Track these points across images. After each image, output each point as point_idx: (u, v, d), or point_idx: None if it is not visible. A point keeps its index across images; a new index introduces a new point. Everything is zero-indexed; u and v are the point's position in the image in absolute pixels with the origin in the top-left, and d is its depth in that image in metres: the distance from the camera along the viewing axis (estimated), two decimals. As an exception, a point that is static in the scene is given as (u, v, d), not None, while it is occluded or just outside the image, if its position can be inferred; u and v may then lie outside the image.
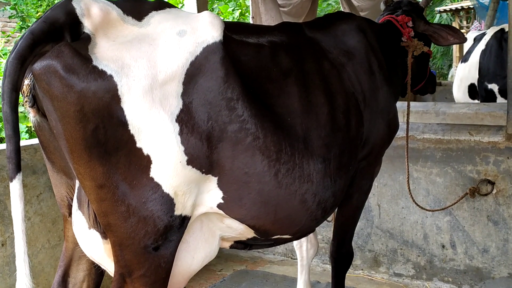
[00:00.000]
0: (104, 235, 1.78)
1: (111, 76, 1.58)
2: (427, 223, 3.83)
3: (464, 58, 6.27)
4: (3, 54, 8.56)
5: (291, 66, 2.10)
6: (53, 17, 1.61)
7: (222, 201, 1.88)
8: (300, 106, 2.05)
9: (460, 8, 13.94)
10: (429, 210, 3.61)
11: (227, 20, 7.59)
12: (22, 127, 5.86)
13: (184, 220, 1.79)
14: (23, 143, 3.19)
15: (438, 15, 15.11)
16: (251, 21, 5.70)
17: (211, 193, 1.86)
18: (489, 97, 5.74)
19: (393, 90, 2.76)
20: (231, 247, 2.20)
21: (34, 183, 3.12)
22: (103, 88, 1.57)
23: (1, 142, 5.70)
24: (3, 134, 5.67)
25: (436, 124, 3.84)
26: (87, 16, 1.64)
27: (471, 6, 11.70)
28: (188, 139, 1.70)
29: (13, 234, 1.60)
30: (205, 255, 1.99)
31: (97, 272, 2.05)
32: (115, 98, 1.59)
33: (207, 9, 4.53)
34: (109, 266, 1.86)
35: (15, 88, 1.54)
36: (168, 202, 1.71)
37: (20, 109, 3.09)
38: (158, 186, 1.69)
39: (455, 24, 13.65)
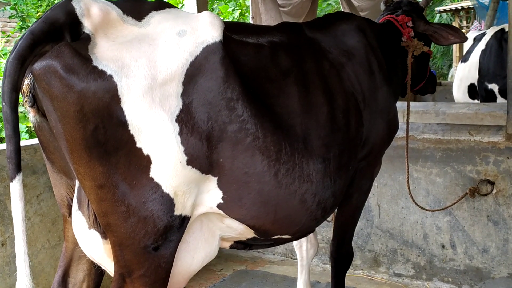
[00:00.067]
0: (104, 235, 1.78)
1: (111, 76, 1.59)
2: (427, 223, 3.83)
3: (464, 58, 6.27)
4: (3, 54, 8.57)
5: (291, 66, 2.10)
6: (53, 17, 1.61)
7: (222, 201, 1.88)
8: (299, 106, 2.05)
9: (460, 8, 13.94)
10: (429, 210, 3.61)
11: (227, 20, 7.59)
12: (22, 127, 5.86)
13: (184, 220, 1.79)
14: (23, 143, 3.19)
15: (438, 15, 15.11)
16: (251, 21, 5.70)
17: (211, 193, 1.86)
18: (489, 97, 5.74)
19: (393, 90, 2.76)
20: (231, 247, 2.20)
21: (34, 183, 3.12)
22: (103, 88, 1.57)
23: (1, 142, 5.70)
24: (3, 134, 5.67)
25: (436, 124, 3.84)
26: (87, 16, 1.64)
27: (471, 6, 11.70)
28: (188, 139, 1.70)
29: (13, 234, 1.60)
30: (205, 255, 1.99)
31: (97, 272, 2.05)
32: (115, 98, 1.59)
33: (207, 9, 4.53)
34: (109, 266, 1.86)
35: (15, 88, 1.54)
36: (168, 202, 1.71)
37: (20, 109, 3.09)
38: (158, 186, 1.69)
39: (455, 24, 13.64)
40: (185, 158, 1.71)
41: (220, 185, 1.85)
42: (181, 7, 8.49)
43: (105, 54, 1.61)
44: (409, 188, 3.34)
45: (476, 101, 5.84)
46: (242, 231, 2.04)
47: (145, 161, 1.66)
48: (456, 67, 8.27)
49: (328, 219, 3.41)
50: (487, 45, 5.86)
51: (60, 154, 1.79)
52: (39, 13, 11.38)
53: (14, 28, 11.52)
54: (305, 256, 3.18)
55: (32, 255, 3.08)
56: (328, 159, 2.12)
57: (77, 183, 1.84)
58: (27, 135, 5.99)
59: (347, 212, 2.71)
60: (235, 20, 10.84)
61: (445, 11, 14.66)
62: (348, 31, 2.55)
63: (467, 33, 7.99)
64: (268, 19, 5.43)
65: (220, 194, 1.87)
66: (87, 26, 1.64)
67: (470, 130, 3.68)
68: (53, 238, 3.22)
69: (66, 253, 2.03)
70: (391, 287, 3.87)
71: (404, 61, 2.96)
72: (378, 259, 4.04)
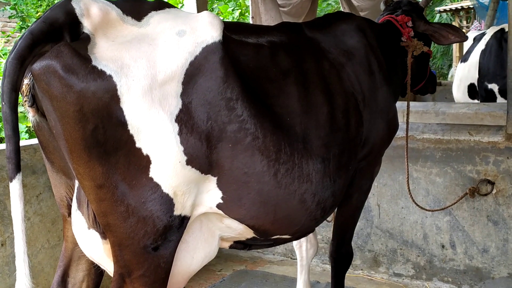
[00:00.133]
0: (104, 235, 1.78)
1: (110, 76, 1.58)
2: (426, 223, 3.83)
3: (464, 58, 6.27)
4: (3, 54, 8.56)
5: (291, 66, 2.10)
6: (53, 17, 1.61)
7: (221, 201, 1.88)
8: (299, 106, 2.05)
9: (460, 8, 13.94)
10: (429, 210, 3.61)
11: (227, 20, 7.59)
12: (22, 127, 5.86)
13: (183, 220, 1.79)
14: (23, 143, 3.19)
15: (438, 15, 15.11)
16: (250, 21, 5.70)
17: (211, 193, 1.86)
18: (489, 97, 5.74)
19: (393, 90, 2.76)
20: (231, 247, 2.20)
21: (34, 183, 3.12)
22: (102, 88, 1.57)
23: (1, 142, 5.70)
24: (3, 134, 5.67)
25: (436, 124, 3.84)
26: (87, 16, 1.64)
27: (471, 6, 11.70)
28: (187, 139, 1.70)
29: (13, 234, 1.60)
30: (204, 255, 1.99)
31: (97, 272, 2.05)
32: (115, 98, 1.59)
33: (206, 9, 4.53)
34: (108, 266, 1.86)
35: (14, 88, 1.54)
36: (168, 202, 1.71)
37: (20, 109, 3.09)
38: (157, 186, 1.69)
39: (455, 24, 13.63)
40: (185, 158, 1.71)
41: (220, 185, 1.85)
42: (181, 7, 8.49)
43: (105, 54, 1.61)
44: (409, 188, 3.34)
45: (476, 101, 5.84)
46: (242, 231, 2.04)
47: (145, 161, 1.66)
48: (456, 67, 8.27)
49: (328, 219, 3.41)
50: (487, 45, 5.86)
51: (60, 154, 1.79)
52: (39, 13, 11.38)
53: (14, 28, 11.52)
54: (305, 256, 3.17)
55: (31, 255, 3.08)
56: (327, 159, 2.11)
57: (76, 183, 1.84)
58: (27, 135, 5.99)
59: (347, 212, 2.71)
60: (235, 20, 10.84)
61: (445, 11, 14.66)
62: (348, 31, 2.55)
63: (467, 33, 7.99)
64: (268, 19, 5.43)
65: (219, 194, 1.87)
66: (87, 26, 1.64)
67: (470, 130, 3.68)
68: (52, 238, 3.22)
69: (65, 253, 2.03)
70: (391, 287, 3.87)
71: (404, 61, 2.96)
72: (378, 259, 4.04)
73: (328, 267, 3.88)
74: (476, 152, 3.61)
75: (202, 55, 1.74)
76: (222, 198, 1.87)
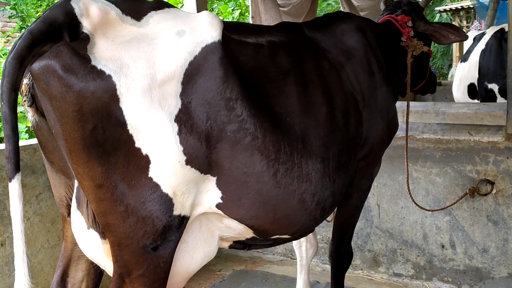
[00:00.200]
0: (103, 235, 1.78)
1: (109, 76, 1.58)
2: (426, 223, 3.82)
3: (464, 58, 6.27)
4: (3, 54, 8.56)
5: (290, 66, 2.10)
6: (52, 17, 1.61)
7: (221, 201, 1.88)
8: (299, 106, 2.04)
9: (460, 8, 13.94)
10: (429, 210, 3.61)
11: (227, 20, 7.59)
12: (22, 127, 5.86)
13: (183, 220, 1.79)
14: (22, 143, 3.19)
15: (438, 15, 15.12)
16: (250, 21, 5.70)
17: (210, 193, 1.86)
18: (489, 97, 5.74)
19: (393, 90, 2.76)
20: (230, 247, 2.20)
21: (34, 183, 3.12)
22: (101, 88, 1.57)
23: (1, 142, 5.70)
24: (2, 134, 5.68)
25: (435, 124, 3.84)
26: (86, 16, 1.64)
27: (471, 6, 11.70)
28: (187, 139, 1.70)
29: (13, 234, 1.60)
30: (204, 255, 1.99)
31: (96, 272, 2.05)
32: (114, 98, 1.59)
33: (206, 9, 4.53)
34: (108, 266, 1.85)
35: (13, 88, 1.54)
36: (167, 202, 1.71)
37: (20, 109, 3.09)
38: (157, 186, 1.68)
39: (455, 24, 13.63)
40: (184, 158, 1.70)
41: (219, 185, 1.85)
42: (181, 7, 8.49)
43: (104, 54, 1.61)
44: (408, 188, 3.33)
45: (476, 100, 5.84)
46: (241, 231, 2.04)
47: (144, 161, 1.66)
48: (456, 66, 8.27)
49: (328, 219, 3.41)
50: (487, 44, 5.86)
51: (59, 154, 1.79)
52: (39, 13, 11.37)
53: (14, 28, 11.52)
54: (305, 256, 3.17)
55: (31, 255, 3.08)
56: (327, 159, 2.11)
57: (76, 183, 1.84)
58: (26, 135, 5.99)
59: (347, 212, 2.70)
60: (235, 20, 10.84)
61: (445, 11, 14.67)
62: (347, 30, 2.55)
63: (467, 33, 7.99)
64: (267, 19, 5.43)
65: (219, 194, 1.87)
66: (86, 26, 1.64)
67: (469, 130, 3.68)
68: (52, 238, 3.22)
69: (65, 253, 2.03)
70: (390, 287, 3.87)
71: (404, 61, 2.96)
72: (378, 259, 4.04)
73: (328, 267, 3.88)
74: (476, 152, 3.61)
75: (202, 55, 1.74)
76: (222, 198, 1.87)
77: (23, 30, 10.61)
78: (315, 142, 2.07)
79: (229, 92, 1.77)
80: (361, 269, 4.09)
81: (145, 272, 1.74)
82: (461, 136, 3.66)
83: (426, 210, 3.58)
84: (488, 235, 3.61)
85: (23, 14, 11.36)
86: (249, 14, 6.59)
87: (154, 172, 1.67)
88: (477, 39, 6.12)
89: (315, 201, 2.09)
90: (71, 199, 1.91)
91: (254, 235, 2.08)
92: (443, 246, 3.79)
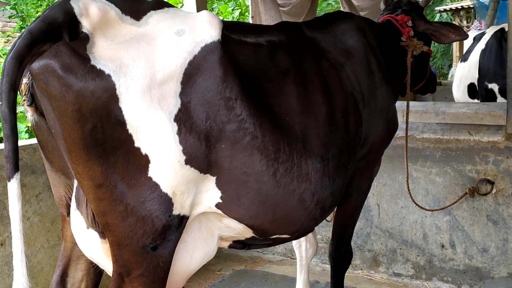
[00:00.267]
0: (103, 235, 1.78)
1: (109, 76, 1.58)
2: (426, 222, 3.82)
3: (464, 58, 6.27)
4: (3, 54, 8.56)
5: (290, 65, 2.10)
6: (51, 17, 1.61)
7: (220, 201, 1.88)
8: (298, 105, 2.04)
9: (460, 7, 13.94)
10: (429, 210, 3.61)
11: (226, 19, 7.59)
12: (22, 126, 5.86)
13: (182, 220, 1.79)
14: (22, 142, 3.19)
15: (438, 14, 15.12)
16: (250, 21, 5.70)
17: (210, 193, 1.86)
18: (489, 96, 5.74)
19: (393, 89, 2.76)
20: (230, 246, 2.20)
21: (33, 182, 3.12)
22: (101, 88, 1.57)
23: (1, 142, 5.70)
24: (2, 134, 5.67)
25: (435, 124, 3.84)
26: (86, 15, 1.64)
27: (471, 6, 11.70)
28: (186, 138, 1.70)
29: (12, 234, 1.60)
30: (203, 254, 1.98)
31: (96, 272, 2.05)
32: (113, 97, 1.59)
33: (206, 9, 4.53)
34: (107, 265, 1.85)
35: (13, 87, 1.54)
36: (167, 201, 1.71)
37: (20, 108, 3.09)
38: (156, 185, 1.68)
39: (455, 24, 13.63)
40: (184, 157, 1.70)
41: (219, 184, 1.85)
42: (181, 6, 8.49)
43: (104, 54, 1.61)
44: (408, 187, 3.33)
45: (476, 100, 5.84)
46: (241, 231, 2.04)
47: (144, 161, 1.65)
48: (456, 66, 8.26)
49: (327, 218, 3.41)
50: (487, 44, 5.86)
51: (59, 153, 1.79)
52: (39, 13, 11.37)
53: (14, 28, 11.51)
54: (304, 255, 3.17)
55: (31, 254, 3.08)
56: (327, 159, 2.11)
57: (75, 182, 1.84)
58: (26, 135, 5.99)
59: (346, 211, 2.70)
60: (235, 20, 10.84)
61: (445, 10, 14.67)
62: (347, 30, 2.55)
63: (467, 32, 7.98)
64: (267, 19, 5.43)
65: (218, 193, 1.86)
66: (86, 25, 1.64)
67: (469, 129, 3.68)
68: (52, 238, 3.22)
69: (64, 252, 2.03)
70: (390, 286, 3.87)
71: (404, 60, 2.96)
72: (378, 258, 4.04)
73: (328, 266, 3.88)
74: (476, 152, 3.61)
75: (201, 54, 1.73)
76: (221, 197, 1.87)
77: (23, 30, 10.60)
78: (314, 142, 2.07)
79: (228, 92, 1.77)
80: (361, 269, 4.09)
81: (145, 272, 1.74)
82: (461, 136, 3.66)
83: (426, 210, 3.58)
84: (488, 235, 3.61)
85: (23, 14, 11.36)
86: (249, 14, 6.59)
87: (154, 172, 1.67)
88: (477, 39, 6.12)
89: (315, 200, 2.09)
90: (70, 199, 1.91)
91: (253, 234, 2.07)
92: (443, 246, 3.79)
